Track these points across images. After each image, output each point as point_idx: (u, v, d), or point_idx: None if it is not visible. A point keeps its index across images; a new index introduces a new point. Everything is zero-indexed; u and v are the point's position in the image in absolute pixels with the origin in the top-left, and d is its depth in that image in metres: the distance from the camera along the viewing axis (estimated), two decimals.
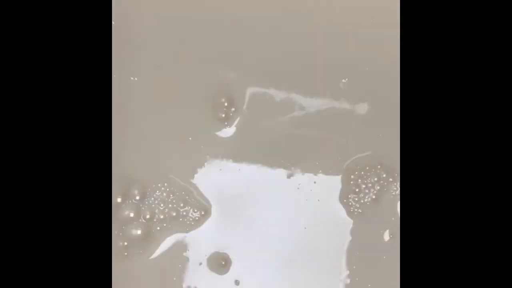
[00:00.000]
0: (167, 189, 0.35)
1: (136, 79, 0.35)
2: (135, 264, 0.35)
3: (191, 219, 0.35)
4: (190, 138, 0.35)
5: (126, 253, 0.34)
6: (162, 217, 0.35)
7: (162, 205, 0.35)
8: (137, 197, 0.35)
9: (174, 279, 0.35)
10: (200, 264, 0.35)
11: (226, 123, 0.36)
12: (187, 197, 0.35)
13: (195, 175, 0.35)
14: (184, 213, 0.35)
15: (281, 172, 0.36)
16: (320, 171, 0.36)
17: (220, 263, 0.35)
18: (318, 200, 0.36)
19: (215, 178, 0.36)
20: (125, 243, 0.34)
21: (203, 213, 0.35)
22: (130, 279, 0.34)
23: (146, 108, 0.35)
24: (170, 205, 0.35)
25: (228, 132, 0.36)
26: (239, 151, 0.36)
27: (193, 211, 0.35)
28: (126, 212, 0.34)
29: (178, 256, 0.35)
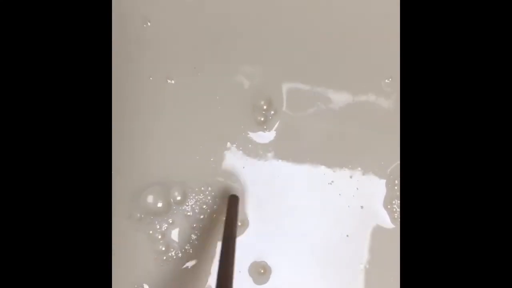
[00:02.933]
0: (197, 196, 0.34)
1: (173, 81, 0.34)
2: (173, 269, 0.34)
3: None
4: (228, 143, 0.34)
5: (164, 257, 0.34)
6: (200, 225, 0.34)
7: (197, 210, 0.34)
8: (178, 198, 0.34)
9: (212, 287, 0.34)
10: (239, 272, 0.34)
11: (265, 127, 0.34)
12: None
13: (234, 180, 0.34)
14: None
15: (322, 178, 0.35)
16: (363, 176, 0.35)
17: (259, 271, 0.34)
18: (361, 206, 0.35)
19: (253, 183, 0.34)
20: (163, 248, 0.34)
21: (239, 224, 0.34)
22: (167, 285, 0.34)
23: (182, 111, 0.34)
24: (202, 216, 0.34)
25: (267, 136, 0.35)
26: (278, 156, 0.35)
27: None
28: (170, 220, 0.34)
29: (216, 263, 0.34)
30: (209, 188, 0.34)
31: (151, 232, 0.34)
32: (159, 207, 0.33)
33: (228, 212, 0.32)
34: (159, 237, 0.34)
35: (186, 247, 0.34)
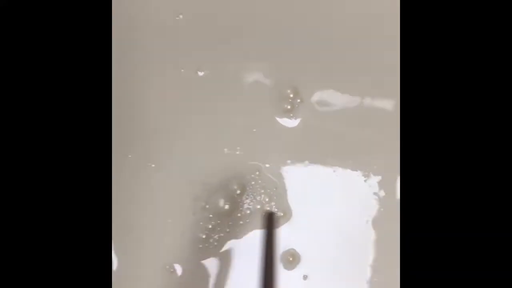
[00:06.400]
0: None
1: (202, 73, 0.36)
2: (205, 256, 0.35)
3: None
4: (254, 130, 0.35)
5: (200, 246, 0.34)
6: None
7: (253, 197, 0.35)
8: (238, 192, 0.35)
9: (243, 274, 0.34)
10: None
11: (291, 115, 0.36)
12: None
13: (260, 168, 0.35)
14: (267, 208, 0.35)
15: (348, 165, 0.35)
16: (387, 164, 0.36)
17: (287, 259, 0.35)
18: (387, 193, 0.35)
19: (281, 171, 0.35)
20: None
21: (281, 214, 0.35)
22: (199, 272, 0.34)
23: (211, 103, 0.36)
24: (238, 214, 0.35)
25: (293, 123, 0.36)
26: (305, 144, 0.36)
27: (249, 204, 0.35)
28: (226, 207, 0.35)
29: (249, 251, 0.35)
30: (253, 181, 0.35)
31: (201, 223, 0.35)
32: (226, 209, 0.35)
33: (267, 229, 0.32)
34: (210, 226, 0.35)
35: (216, 237, 0.35)
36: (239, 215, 0.35)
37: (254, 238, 0.35)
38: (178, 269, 0.34)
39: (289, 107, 0.36)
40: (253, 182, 0.35)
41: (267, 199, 0.35)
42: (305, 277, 0.35)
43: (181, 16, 0.35)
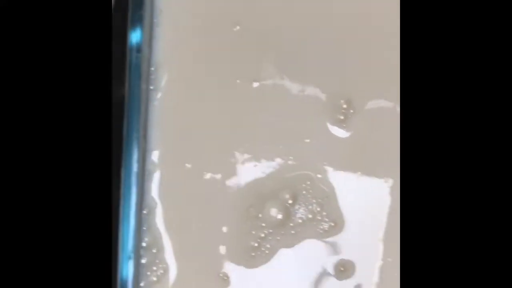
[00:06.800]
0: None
1: (257, 84, 0.36)
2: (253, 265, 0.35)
3: (321, 228, 0.35)
4: (307, 140, 0.36)
5: (253, 253, 0.35)
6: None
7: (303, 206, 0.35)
8: (290, 201, 0.35)
9: (294, 282, 0.35)
10: (317, 269, 0.35)
11: (344, 125, 0.36)
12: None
13: (312, 178, 0.35)
14: (319, 218, 0.35)
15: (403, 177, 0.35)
16: None
17: (339, 269, 0.35)
18: None
19: (332, 180, 0.35)
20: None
21: (333, 224, 0.35)
22: (251, 280, 0.35)
23: (266, 111, 0.36)
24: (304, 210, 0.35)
25: (346, 134, 0.36)
26: (359, 154, 0.36)
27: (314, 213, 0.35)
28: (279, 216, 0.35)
29: (300, 260, 0.35)
30: (304, 192, 0.35)
31: (253, 232, 0.35)
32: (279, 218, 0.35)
33: None
34: (262, 235, 0.35)
35: (268, 246, 0.35)
36: (291, 224, 0.35)
37: (305, 247, 0.35)
38: (232, 277, 0.35)
39: (342, 117, 0.36)
40: (304, 192, 0.35)
41: (318, 209, 0.35)
42: (357, 287, 0.35)
43: (238, 27, 0.36)
